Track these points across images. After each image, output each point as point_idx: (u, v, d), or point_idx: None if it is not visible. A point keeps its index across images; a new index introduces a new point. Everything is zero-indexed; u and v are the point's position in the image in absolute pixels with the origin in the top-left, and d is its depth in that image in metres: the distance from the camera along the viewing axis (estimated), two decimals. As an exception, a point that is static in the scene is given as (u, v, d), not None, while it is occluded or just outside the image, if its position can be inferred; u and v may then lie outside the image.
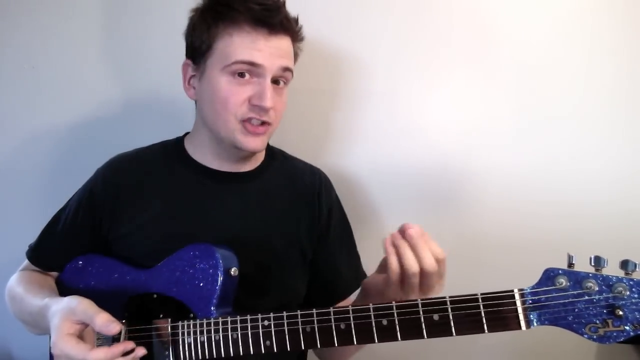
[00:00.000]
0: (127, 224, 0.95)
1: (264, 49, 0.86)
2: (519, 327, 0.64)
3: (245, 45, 0.86)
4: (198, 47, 0.91)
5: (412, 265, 0.69)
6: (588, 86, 1.20)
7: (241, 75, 0.87)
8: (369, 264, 1.11)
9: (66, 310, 0.75)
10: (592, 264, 0.63)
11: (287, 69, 0.90)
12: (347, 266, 1.06)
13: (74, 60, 1.32)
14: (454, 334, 0.66)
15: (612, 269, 0.63)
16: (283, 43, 0.89)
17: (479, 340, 1.27)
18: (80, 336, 0.74)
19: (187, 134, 1.04)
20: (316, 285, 1.02)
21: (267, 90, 0.86)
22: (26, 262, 1.00)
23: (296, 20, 0.93)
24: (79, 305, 0.74)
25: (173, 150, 1.02)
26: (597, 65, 1.19)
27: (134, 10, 1.28)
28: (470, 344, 1.28)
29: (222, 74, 0.88)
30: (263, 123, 0.89)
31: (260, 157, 1.03)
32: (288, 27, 0.89)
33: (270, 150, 1.07)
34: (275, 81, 0.90)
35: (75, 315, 0.74)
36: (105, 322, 0.72)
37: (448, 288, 0.70)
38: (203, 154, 0.98)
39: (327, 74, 1.27)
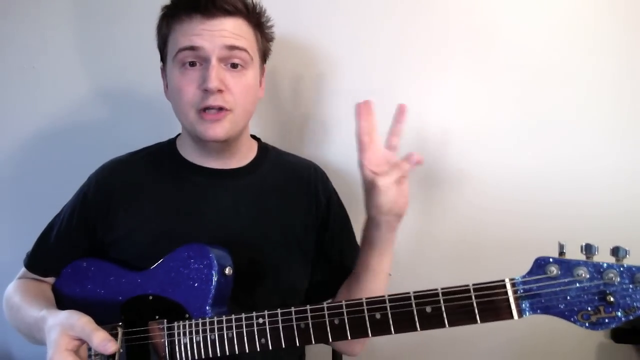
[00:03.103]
0: (122, 227, 0.95)
1: (203, 32, 0.87)
2: (511, 317, 0.64)
3: (184, 32, 0.89)
4: (160, 49, 0.97)
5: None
6: (589, 87, 1.19)
7: (192, 64, 0.89)
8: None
9: (65, 325, 0.74)
10: (583, 251, 0.63)
11: (234, 47, 0.89)
12: (348, 256, 1.02)
13: (74, 61, 1.32)
14: (447, 325, 0.66)
15: (603, 257, 0.62)
16: (225, 24, 0.89)
17: (480, 342, 1.27)
18: (77, 352, 0.74)
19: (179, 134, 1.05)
20: (316, 276, 1.02)
21: (211, 71, 0.87)
22: (23, 269, 1.01)
23: (244, 2, 0.92)
24: (78, 321, 0.74)
25: (165, 151, 1.02)
26: (598, 66, 1.18)
27: (135, 11, 1.29)
28: (470, 345, 1.27)
29: (174, 67, 0.91)
30: (220, 109, 0.89)
31: (250, 153, 1.03)
32: (227, 8, 0.88)
33: (263, 147, 1.07)
34: (232, 65, 0.90)
35: (74, 330, 0.74)
36: (103, 341, 0.72)
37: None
38: (191, 153, 0.99)
39: (326, 73, 1.27)
